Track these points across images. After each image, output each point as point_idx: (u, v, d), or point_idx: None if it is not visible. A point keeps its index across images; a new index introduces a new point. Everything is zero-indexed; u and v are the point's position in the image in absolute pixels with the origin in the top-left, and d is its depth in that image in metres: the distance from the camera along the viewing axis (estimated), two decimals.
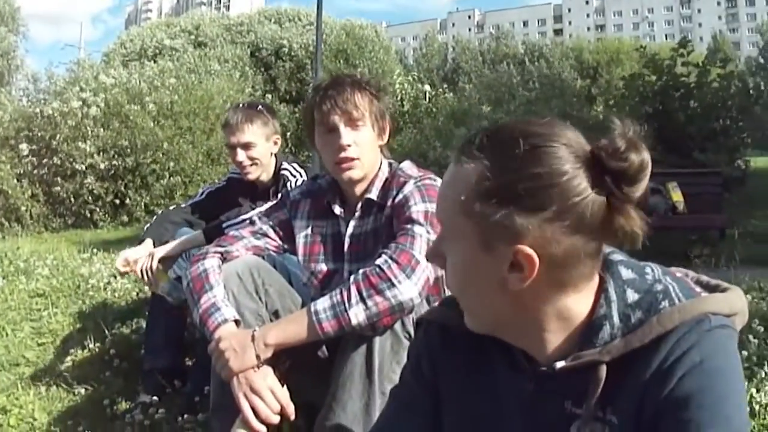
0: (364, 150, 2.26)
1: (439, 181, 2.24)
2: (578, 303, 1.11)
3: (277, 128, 3.43)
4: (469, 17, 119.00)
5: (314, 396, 2.15)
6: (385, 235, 2.18)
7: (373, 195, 2.29)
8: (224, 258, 2.28)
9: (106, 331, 3.94)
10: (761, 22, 57.73)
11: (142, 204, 11.57)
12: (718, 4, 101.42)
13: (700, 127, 8.56)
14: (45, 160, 10.94)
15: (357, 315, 1.90)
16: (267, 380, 1.94)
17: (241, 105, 3.45)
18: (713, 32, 58.66)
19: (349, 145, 2.22)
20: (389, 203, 2.24)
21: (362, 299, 1.91)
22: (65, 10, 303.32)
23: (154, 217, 3.48)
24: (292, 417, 1.96)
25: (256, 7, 36.19)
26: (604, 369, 1.07)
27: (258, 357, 1.94)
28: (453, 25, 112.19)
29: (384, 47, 25.96)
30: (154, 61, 16.56)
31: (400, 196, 2.20)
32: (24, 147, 10.83)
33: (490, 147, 1.07)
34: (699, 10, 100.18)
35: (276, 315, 2.26)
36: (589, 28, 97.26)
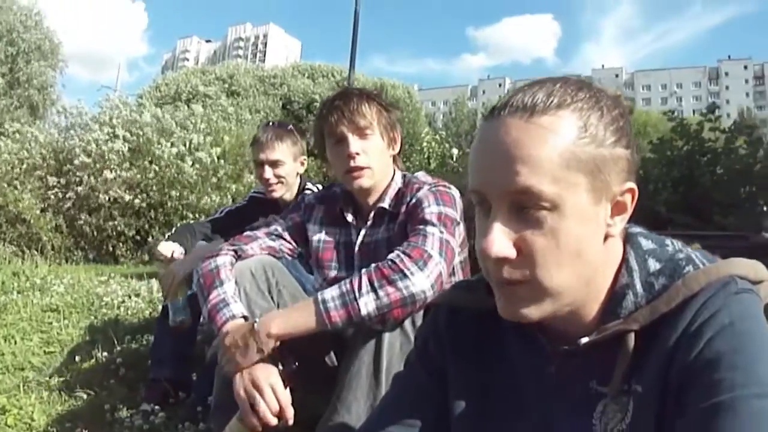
0: (373, 158, 2.25)
1: (453, 189, 2.23)
2: (604, 274, 1.08)
3: (305, 149, 3.44)
4: (500, 85, 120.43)
5: (320, 409, 2.06)
6: (398, 241, 2.13)
7: (386, 204, 2.28)
8: (238, 256, 2.25)
9: (116, 343, 3.92)
10: None
11: None
12: (746, 81, 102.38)
13: (727, 192, 8.50)
14: (70, 193, 11.03)
15: (367, 304, 1.84)
16: (270, 378, 1.86)
17: (271, 123, 3.48)
18: (740, 108, 58.84)
19: (357, 154, 2.22)
20: (403, 209, 2.22)
21: (373, 289, 1.86)
22: (103, 55, 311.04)
23: (176, 227, 3.50)
24: (290, 422, 1.86)
25: (291, 61, 36.92)
26: (632, 338, 1.04)
27: (260, 350, 1.87)
28: (483, 92, 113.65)
29: (415, 108, 26.29)
30: (188, 106, 16.81)
31: (414, 200, 2.18)
32: (52, 179, 10.95)
33: (574, 95, 1.03)
34: (727, 87, 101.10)
35: None
36: None
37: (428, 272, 1.89)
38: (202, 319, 3.49)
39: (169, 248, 3.08)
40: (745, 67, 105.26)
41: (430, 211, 2.10)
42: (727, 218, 8.64)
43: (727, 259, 1.07)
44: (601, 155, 1.00)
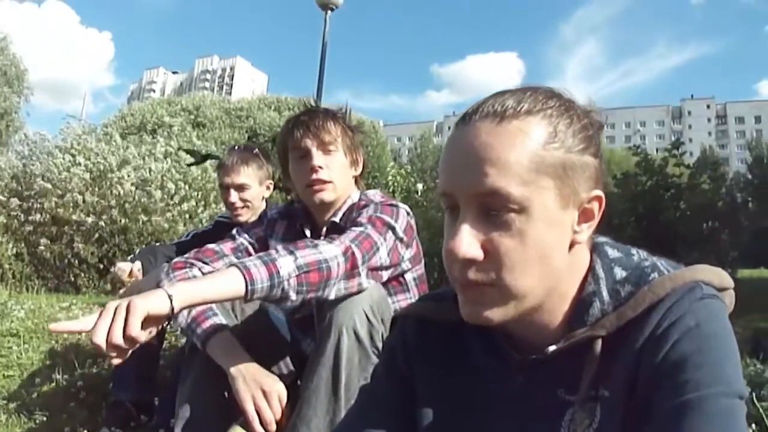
0: (335, 174, 2.29)
1: (401, 206, 2.24)
2: (570, 281, 1.10)
3: (271, 173, 3.47)
4: None
5: None
6: None
7: (337, 218, 2.32)
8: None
9: (77, 367, 3.87)
10: (750, 138, 58.99)
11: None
12: (709, 120, 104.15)
13: (690, 227, 8.63)
14: (31, 218, 10.86)
15: (287, 264, 1.80)
16: (277, 385, 1.96)
17: (237, 147, 3.50)
18: (702, 147, 59.90)
19: (320, 167, 2.26)
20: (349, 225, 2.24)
21: (289, 252, 1.85)
22: (69, 84, 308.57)
23: (139, 249, 3.47)
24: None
25: (257, 94, 36.92)
26: (599, 345, 1.06)
27: (175, 314, 1.62)
28: (449, 128, 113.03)
29: (380, 143, 26.32)
30: (152, 137, 16.70)
31: (356, 214, 2.23)
32: (14, 201, 10.79)
33: (544, 102, 1.05)
34: (690, 126, 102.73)
35: (247, 330, 2.23)
36: None
37: (336, 243, 1.93)
38: (165, 343, 3.47)
39: (127, 266, 3.05)
40: (708, 107, 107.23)
41: (362, 217, 2.14)
42: (691, 254, 8.76)
43: (692, 266, 1.09)
44: (570, 160, 1.03)
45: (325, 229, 2.33)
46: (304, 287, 1.84)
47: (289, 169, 2.35)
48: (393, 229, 2.14)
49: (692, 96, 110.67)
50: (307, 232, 2.37)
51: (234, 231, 2.45)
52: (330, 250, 1.89)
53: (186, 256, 2.29)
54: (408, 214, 2.25)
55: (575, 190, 1.04)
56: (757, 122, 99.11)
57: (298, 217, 2.41)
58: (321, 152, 2.27)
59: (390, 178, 18.49)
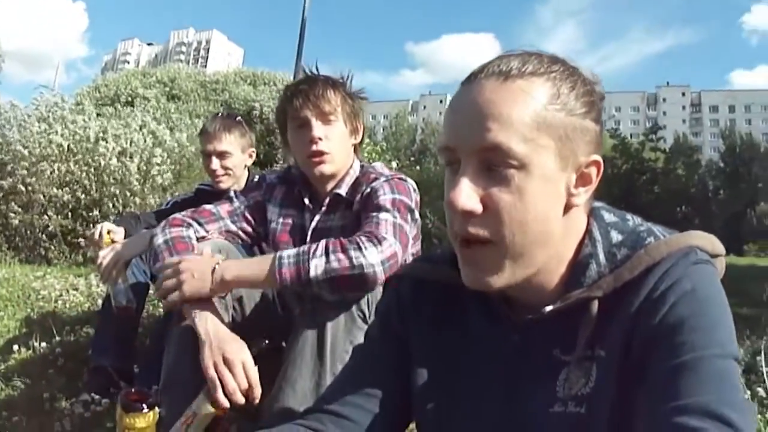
0: (335, 145, 2.27)
1: (409, 181, 2.26)
2: (565, 244, 1.12)
3: (253, 141, 3.46)
4: (441, 101, 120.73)
5: None
6: (353, 230, 2.15)
7: (342, 191, 2.30)
8: (198, 236, 2.24)
9: (55, 334, 3.84)
10: (724, 127, 59.49)
11: None
12: (683, 108, 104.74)
13: (664, 212, 8.78)
14: (3, 184, 10.70)
15: (317, 267, 1.87)
16: (242, 353, 1.86)
17: (220, 114, 3.48)
18: (676, 134, 60.40)
19: (320, 138, 2.24)
20: (358, 198, 2.24)
21: (326, 253, 1.89)
22: (41, 54, 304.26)
23: (121, 215, 3.43)
24: (257, 401, 1.85)
25: (232, 68, 36.63)
26: (595, 306, 1.08)
27: (212, 290, 1.92)
28: (424, 107, 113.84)
29: None
30: (128, 108, 16.51)
31: (369, 189, 2.21)
32: None
33: (548, 65, 1.08)
34: (665, 113, 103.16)
35: (240, 302, 2.23)
36: None
37: (381, 249, 1.92)
38: (144, 312, 3.46)
39: (108, 227, 2.98)
40: (683, 94, 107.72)
41: (385, 198, 2.13)
42: None
43: (686, 232, 1.12)
44: (571, 123, 1.05)
45: (327, 199, 2.32)
46: (338, 290, 1.90)
47: (288, 137, 2.33)
48: (412, 212, 2.18)
49: (668, 83, 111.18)
50: (306, 201, 2.35)
51: (231, 193, 2.43)
52: (371, 257, 1.89)
53: (183, 213, 2.29)
54: (415, 190, 2.27)
55: (574, 152, 1.06)
56: (731, 111, 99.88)
57: (296, 183, 2.40)
58: (321, 122, 2.25)
59: (366, 155, 18.53)
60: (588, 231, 1.13)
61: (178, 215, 2.27)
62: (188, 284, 1.90)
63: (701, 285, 1.03)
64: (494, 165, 1.03)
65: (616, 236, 1.11)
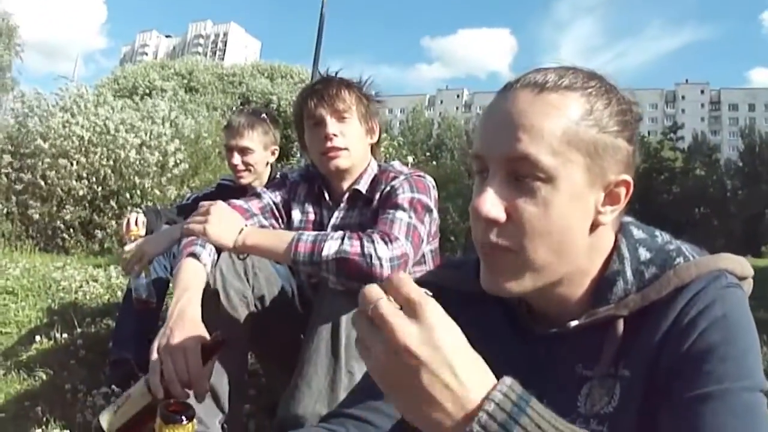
0: (351, 141, 2.30)
1: (428, 178, 2.27)
2: (591, 260, 1.11)
3: (277, 138, 3.46)
4: (458, 96, 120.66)
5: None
6: (369, 228, 2.16)
7: (361, 187, 2.32)
8: None
9: (75, 325, 3.88)
10: (743, 126, 58.81)
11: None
12: (702, 106, 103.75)
13: (682, 212, 8.73)
14: (24, 177, 10.78)
15: (330, 247, 1.94)
16: (186, 343, 1.64)
17: (245, 109, 3.50)
18: (694, 133, 59.95)
19: (335, 135, 2.27)
20: (377, 197, 2.27)
21: (342, 239, 1.95)
22: (59, 46, 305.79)
23: (146, 207, 3.45)
24: (202, 400, 1.65)
25: (250, 60, 36.71)
26: (621, 324, 1.07)
27: (233, 247, 2.02)
28: (441, 102, 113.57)
29: None
30: (149, 98, 16.56)
31: (388, 188, 2.24)
32: (6, 158, 10.71)
33: (584, 81, 1.07)
34: (683, 110, 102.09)
35: (261, 300, 2.25)
36: None
37: (392, 248, 1.96)
38: (164, 306, 3.48)
39: (134, 216, 3.00)
40: (702, 92, 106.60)
41: (403, 196, 2.16)
42: (681, 237, 8.83)
43: (716, 254, 1.11)
44: (603, 140, 1.04)
45: (347, 196, 2.34)
46: (344, 273, 1.92)
47: (306, 138, 2.37)
48: (431, 211, 2.20)
49: (686, 81, 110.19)
50: (326, 197, 2.39)
51: (259, 190, 2.45)
52: (381, 251, 1.93)
53: None
54: (434, 187, 2.29)
55: (604, 170, 1.05)
56: (751, 110, 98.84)
57: (316, 180, 2.43)
58: (335, 120, 2.29)
59: (383, 150, 18.54)
60: (616, 247, 1.12)
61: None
62: (213, 227, 1.98)
63: (732, 311, 1.01)
64: (522, 176, 1.02)
65: (644, 254, 1.10)
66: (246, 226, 2.06)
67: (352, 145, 2.30)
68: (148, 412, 1.56)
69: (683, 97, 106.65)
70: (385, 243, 1.95)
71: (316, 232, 2.00)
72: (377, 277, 1.90)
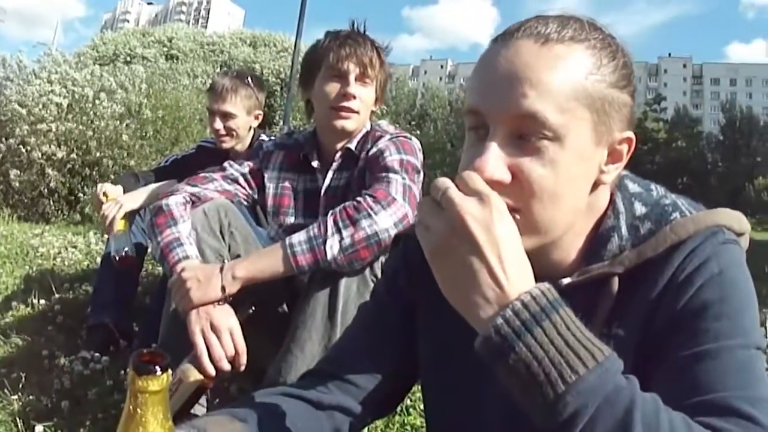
0: (363, 107, 2.26)
1: (414, 139, 2.24)
2: (586, 217, 1.08)
3: (262, 102, 3.41)
4: (441, 67, 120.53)
5: (268, 361, 2.02)
6: (358, 187, 2.15)
7: (353, 145, 2.28)
8: (195, 198, 2.20)
9: (54, 291, 3.83)
10: (725, 100, 59.02)
11: None
12: (684, 79, 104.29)
13: (664, 182, 8.75)
14: (1, 146, 10.63)
15: (332, 247, 1.86)
16: (229, 320, 1.85)
17: (230, 72, 3.43)
18: (676, 106, 60.07)
19: (354, 97, 2.22)
20: (363, 155, 2.23)
21: (338, 230, 1.88)
22: (38, 13, 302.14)
23: (121, 174, 3.42)
24: (242, 368, 1.84)
25: (233, 29, 36.42)
26: (616, 282, 1.04)
27: (223, 288, 1.86)
28: (425, 72, 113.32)
29: None
30: (127, 66, 16.37)
31: (375, 149, 2.20)
32: None
33: (589, 32, 1.01)
34: (666, 84, 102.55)
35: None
36: None
37: (392, 211, 1.92)
38: (143, 271, 3.44)
39: (106, 187, 2.97)
40: (684, 66, 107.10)
41: (392, 158, 2.12)
42: None
43: (713, 209, 1.07)
44: (610, 96, 0.99)
45: (339, 155, 2.29)
46: (355, 263, 1.88)
47: (316, 85, 2.27)
48: (419, 172, 2.17)
49: (669, 54, 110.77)
50: (314, 163, 2.32)
51: (225, 164, 2.38)
52: (383, 221, 1.89)
53: (176, 186, 2.26)
54: (420, 149, 2.26)
55: (610, 127, 1.01)
56: (732, 84, 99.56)
57: (299, 147, 2.36)
58: (359, 82, 2.23)
59: None
60: (611, 202, 1.09)
61: (171, 199, 2.16)
62: (195, 291, 1.86)
63: (728, 268, 0.99)
64: (526, 134, 0.96)
65: (639, 208, 1.07)
66: (223, 263, 1.93)
67: (363, 110, 2.26)
68: (197, 393, 1.79)
69: (666, 71, 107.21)
70: (384, 208, 1.91)
71: (305, 236, 1.90)
72: (389, 249, 1.87)
